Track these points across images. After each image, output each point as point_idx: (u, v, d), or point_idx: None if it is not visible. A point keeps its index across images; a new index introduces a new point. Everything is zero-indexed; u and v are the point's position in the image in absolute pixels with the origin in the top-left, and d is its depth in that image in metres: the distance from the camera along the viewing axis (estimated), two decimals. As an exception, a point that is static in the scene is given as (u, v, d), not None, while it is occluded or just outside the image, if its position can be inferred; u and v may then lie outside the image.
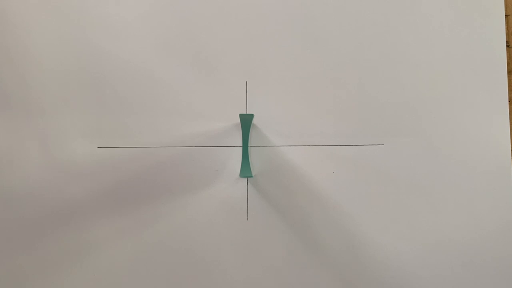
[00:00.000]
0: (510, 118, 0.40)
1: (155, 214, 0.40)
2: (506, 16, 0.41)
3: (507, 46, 0.41)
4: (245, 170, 0.40)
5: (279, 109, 0.41)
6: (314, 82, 0.41)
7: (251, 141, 0.41)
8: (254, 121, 0.41)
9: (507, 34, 0.41)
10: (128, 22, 0.41)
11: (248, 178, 0.40)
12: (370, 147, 0.40)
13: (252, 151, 0.41)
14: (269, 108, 0.41)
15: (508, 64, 0.41)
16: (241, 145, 0.40)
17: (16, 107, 0.40)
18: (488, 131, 0.40)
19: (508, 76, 0.40)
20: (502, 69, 0.40)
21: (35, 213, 0.40)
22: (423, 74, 0.41)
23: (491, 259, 0.39)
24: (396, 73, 0.41)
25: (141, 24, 0.41)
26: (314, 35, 0.41)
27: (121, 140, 0.40)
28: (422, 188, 0.40)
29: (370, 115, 0.41)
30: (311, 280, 0.40)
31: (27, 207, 0.40)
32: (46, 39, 0.41)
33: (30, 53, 0.41)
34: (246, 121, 0.40)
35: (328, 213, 0.40)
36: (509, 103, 0.40)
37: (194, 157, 0.40)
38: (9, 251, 0.40)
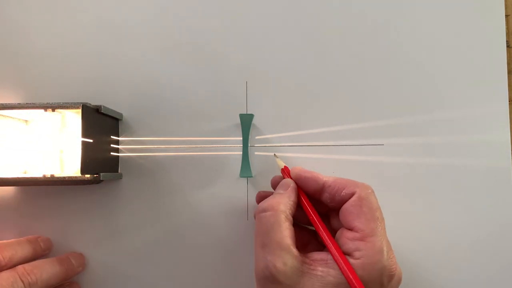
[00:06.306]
0: (510, 118, 0.40)
1: (155, 214, 0.40)
2: (506, 16, 0.41)
3: (507, 46, 0.41)
4: (245, 170, 0.40)
5: (279, 109, 0.41)
6: (314, 82, 0.41)
7: (251, 141, 0.41)
8: (254, 121, 0.41)
9: (507, 34, 0.41)
10: (128, 22, 0.42)
11: (248, 178, 0.40)
12: (370, 147, 0.40)
13: (252, 151, 0.41)
14: (269, 108, 0.41)
15: (508, 64, 0.41)
16: (241, 145, 0.40)
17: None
18: (488, 131, 0.40)
19: (508, 76, 0.40)
20: (502, 69, 0.40)
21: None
22: (423, 74, 0.41)
23: (491, 260, 0.39)
24: (396, 73, 0.41)
25: (141, 24, 0.42)
26: (314, 35, 0.41)
27: (121, 140, 0.41)
28: (422, 188, 0.40)
29: (370, 115, 0.41)
30: (311, 280, 0.40)
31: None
32: (47, 41, 0.41)
33: (31, 54, 0.41)
34: (246, 121, 0.40)
35: (328, 213, 0.40)
36: (509, 103, 0.40)
37: (193, 157, 0.41)
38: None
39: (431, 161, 0.40)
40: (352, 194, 0.31)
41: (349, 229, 0.31)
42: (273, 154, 0.39)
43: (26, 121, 0.38)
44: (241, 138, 0.40)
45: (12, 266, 0.34)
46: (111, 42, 0.41)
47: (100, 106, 0.36)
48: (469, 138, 0.40)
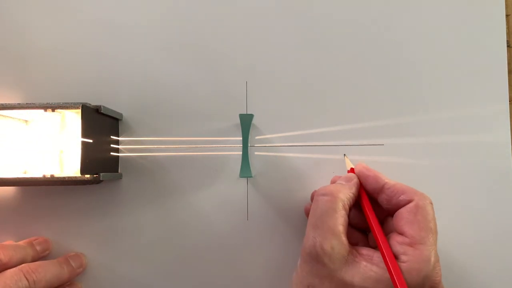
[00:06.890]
0: (510, 118, 0.40)
1: (155, 214, 0.40)
2: (507, 16, 0.41)
3: (508, 46, 0.41)
4: (245, 170, 0.40)
5: (279, 109, 0.41)
6: (314, 82, 0.41)
7: (251, 141, 0.41)
8: (254, 121, 0.41)
9: (508, 34, 0.41)
10: (128, 22, 0.42)
11: (248, 178, 0.40)
12: (370, 147, 0.40)
13: (252, 151, 0.41)
14: (269, 108, 0.41)
15: (509, 64, 0.41)
16: (241, 145, 0.40)
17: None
18: (488, 131, 0.40)
19: (508, 76, 0.40)
20: (502, 69, 0.40)
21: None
22: (423, 74, 0.41)
23: (491, 260, 0.39)
24: (396, 73, 0.41)
25: (141, 24, 0.42)
26: (314, 35, 0.41)
27: (121, 140, 0.41)
28: (421, 188, 0.40)
29: (370, 115, 0.41)
30: (311, 280, 0.40)
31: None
32: (47, 41, 0.41)
33: (31, 54, 0.41)
34: (246, 121, 0.40)
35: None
36: (509, 103, 0.40)
37: (193, 157, 0.41)
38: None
39: (431, 161, 0.40)
40: (409, 201, 0.32)
41: (400, 234, 0.31)
42: (343, 154, 0.40)
43: (26, 121, 0.38)
44: (241, 138, 0.40)
45: (12, 266, 0.34)
46: (111, 42, 0.41)
47: (100, 106, 0.36)
48: (469, 138, 0.40)
